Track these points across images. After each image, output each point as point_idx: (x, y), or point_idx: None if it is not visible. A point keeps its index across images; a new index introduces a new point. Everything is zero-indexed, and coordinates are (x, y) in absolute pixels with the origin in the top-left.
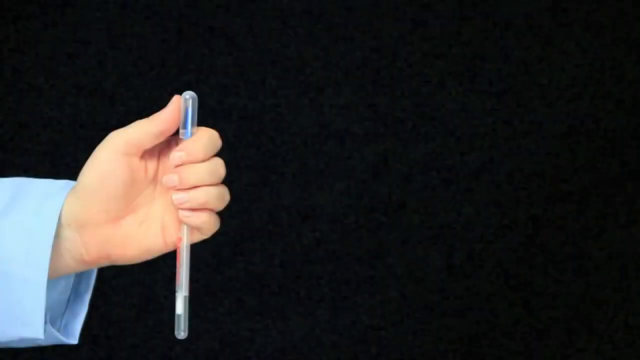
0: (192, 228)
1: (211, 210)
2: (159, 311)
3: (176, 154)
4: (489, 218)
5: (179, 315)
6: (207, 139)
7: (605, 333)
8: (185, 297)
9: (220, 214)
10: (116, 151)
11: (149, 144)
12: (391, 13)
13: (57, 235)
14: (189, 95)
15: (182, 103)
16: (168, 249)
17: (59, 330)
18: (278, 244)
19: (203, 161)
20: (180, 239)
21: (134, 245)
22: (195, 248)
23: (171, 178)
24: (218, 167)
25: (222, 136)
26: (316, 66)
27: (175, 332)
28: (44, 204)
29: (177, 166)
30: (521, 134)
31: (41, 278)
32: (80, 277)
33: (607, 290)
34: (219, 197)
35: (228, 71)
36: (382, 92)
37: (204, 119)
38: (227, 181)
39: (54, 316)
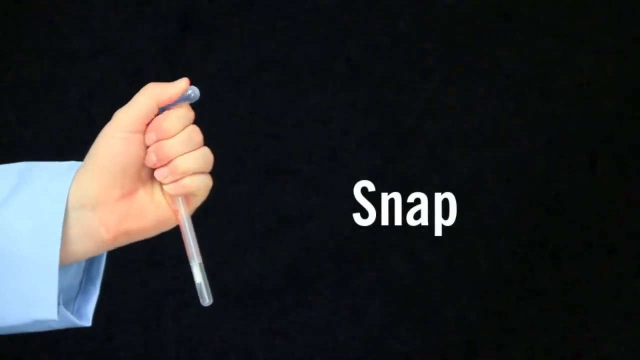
0: (186, 195)
1: (196, 173)
2: (160, 312)
3: (147, 135)
4: (489, 218)
5: (199, 284)
6: (175, 114)
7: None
8: (199, 264)
9: (220, 215)
10: (124, 130)
11: (153, 117)
12: (391, 13)
13: (73, 220)
14: (193, 91)
15: (189, 91)
16: (191, 208)
17: (72, 314)
18: (278, 245)
19: (175, 135)
20: (177, 212)
21: (149, 218)
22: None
23: (149, 158)
24: (192, 135)
25: (221, 136)
26: (316, 66)
27: (201, 301)
28: (52, 183)
29: (150, 145)
30: (521, 134)
31: (53, 257)
32: (91, 261)
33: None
34: (198, 160)
35: (228, 71)
36: (382, 92)
37: (203, 120)
38: (226, 181)
39: (67, 300)
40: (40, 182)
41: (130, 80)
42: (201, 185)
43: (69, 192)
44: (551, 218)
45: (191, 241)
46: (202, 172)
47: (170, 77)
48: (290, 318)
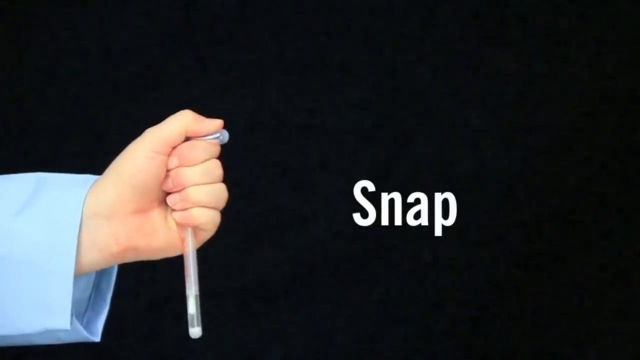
0: (193, 227)
1: (206, 207)
2: (162, 314)
3: (170, 159)
4: (489, 218)
5: (192, 315)
6: (201, 145)
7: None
8: (196, 296)
9: (220, 215)
10: (151, 149)
11: (180, 142)
12: (391, 12)
13: (85, 228)
14: (222, 135)
15: (218, 133)
16: (198, 242)
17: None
18: (278, 245)
19: (196, 165)
20: (184, 239)
21: (159, 240)
22: (198, 251)
23: (166, 182)
24: (212, 169)
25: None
26: (317, 66)
27: (190, 332)
28: (68, 193)
29: (170, 170)
30: (521, 135)
31: (68, 266)
32: (101, 276)
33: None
34: (211, 194)
35: (229, 70)
36: (382, 92)
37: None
38: (226, 181)
39: (76, 314)
40: (57, 192)
41: (129, 80)
42: (208, 220)
43: (84, 201)
44: (551, 218)
45: (192, 272)
46: (213, 208)
47: (170, 77)
48: (290, 318)
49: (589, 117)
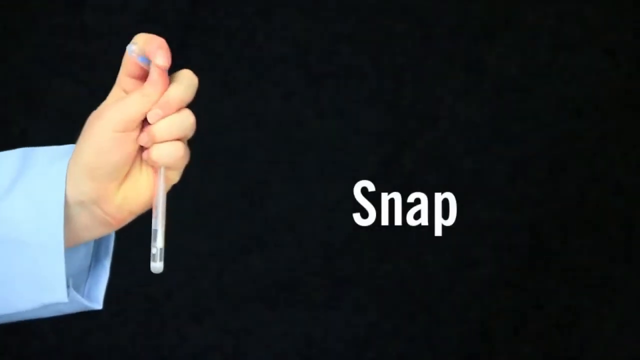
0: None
1: (169, 141)
2: (161, 315)
3: (153, 112)
4: (489, 218)
5: (160, 249)
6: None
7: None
8: (164, 232)
9: (219, 215)
10: (116, 130)
11: (145, 115)
12: (391, 13)
13: (79, 212)
14: (133, 46)
15: (135, 56)
16: (170, 182)
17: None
18: (278, 245)
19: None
20: (156, 175)
21: (144, 190)
22: (196, 250)
23: (155, 112)
24: (175, 97)
25: (221, 135)
26: (317, 66)
27: (153, 266)
28: (51, 167)
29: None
30: (521, 134)
31: (57, 240)
32: (99, 243)
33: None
34: (175, 124)
35: (228, 69)
36: (382, 92)
37: (202, 119)
38: (225, 181)
39: (77, 284)
40: (40, 167)
41: None
42: (169, 157)
43: (66, 176)
44: (551, 218)
45: (160, 207)
46: (178, 139)
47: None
48: (290, 318)
49: (590, 117)
